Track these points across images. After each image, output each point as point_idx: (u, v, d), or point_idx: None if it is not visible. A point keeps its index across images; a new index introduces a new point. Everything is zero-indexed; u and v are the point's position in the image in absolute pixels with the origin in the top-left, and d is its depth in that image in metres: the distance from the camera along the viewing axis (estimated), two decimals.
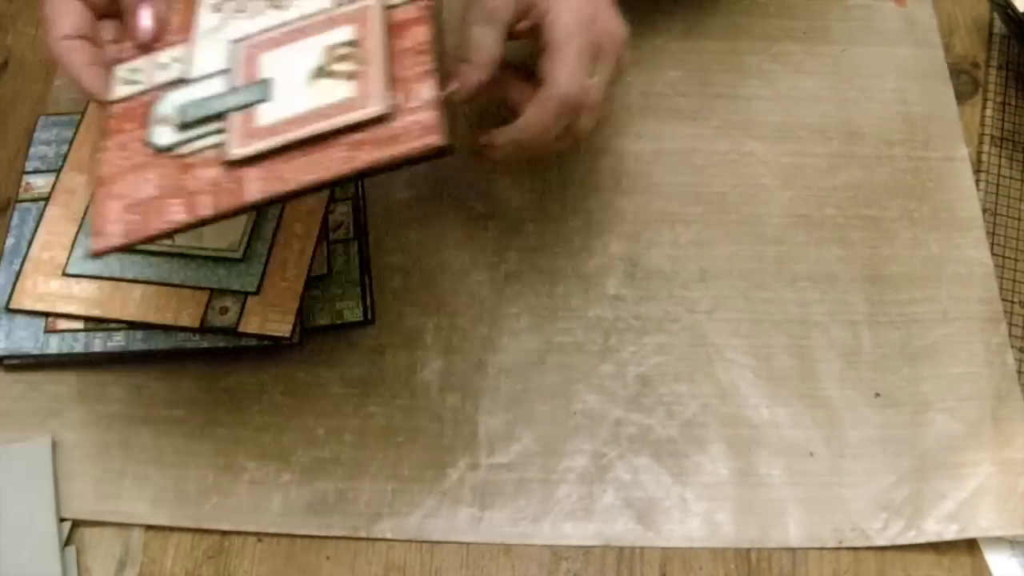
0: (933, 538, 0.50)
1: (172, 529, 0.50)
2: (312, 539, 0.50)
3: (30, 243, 0.56)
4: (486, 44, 0.50)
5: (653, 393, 0.54)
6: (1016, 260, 0.58)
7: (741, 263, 0.57)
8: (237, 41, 0.48)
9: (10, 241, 0.57)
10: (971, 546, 0.50)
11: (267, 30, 0.48)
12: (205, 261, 0.54)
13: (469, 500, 0.51)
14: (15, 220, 0.57)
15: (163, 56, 0.49)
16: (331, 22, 0.47)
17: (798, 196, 0.60)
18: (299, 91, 0.45)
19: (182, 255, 0.54)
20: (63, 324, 0.54)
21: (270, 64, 0.46)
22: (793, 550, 0.50)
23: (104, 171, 0.46)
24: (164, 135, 0.46)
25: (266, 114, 0.45)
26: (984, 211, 0.59)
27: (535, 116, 0.49)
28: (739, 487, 0.51)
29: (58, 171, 0.58)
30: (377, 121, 0.43)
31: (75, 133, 0.59)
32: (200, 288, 0.54)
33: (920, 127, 0.62)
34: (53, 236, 0.56)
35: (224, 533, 0.50)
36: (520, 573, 0.49)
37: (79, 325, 0.54)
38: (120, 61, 0.49)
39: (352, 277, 0.56)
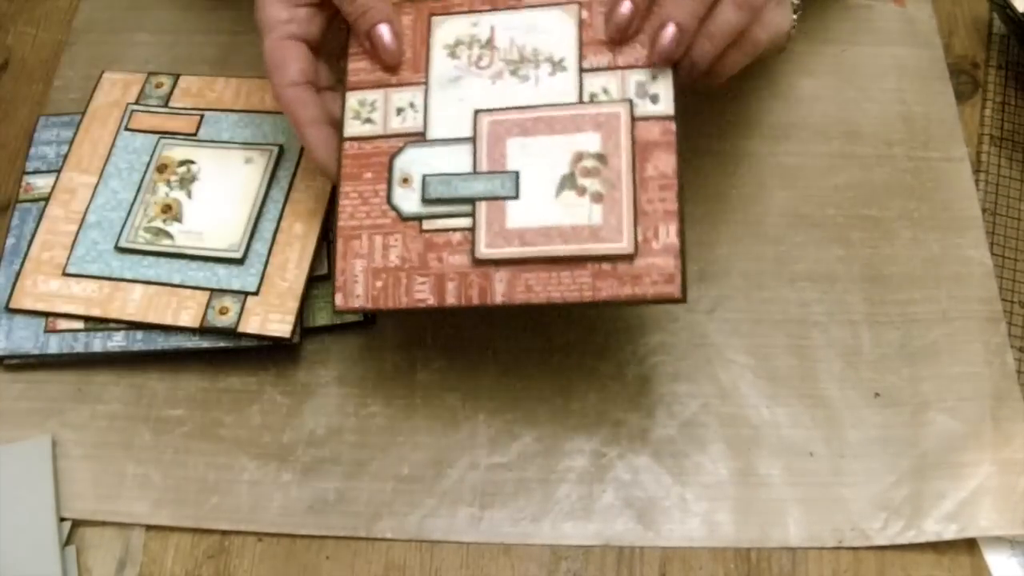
0: (933, 538, 0.50)
1: (172, 529, 0.51)
2: (312, 539, 0.50)
3: (30, 243, 0.56)
4: None
5: (653, 393, 0.54)
6: (1016, 260, 0.58)
7: (741, 263, 0.57)
8: (479, 111, 0.49)
9: (10, 241, 0.57)
10: (971, 546, 0.50)
11: (511, 108, 0.49)
12: (205, 261, 0.54)
13: (469, 500, 0.51)
14: (15, 220, 0.58)
15: (397, 97, 0.50)
16: (578, 123, 0.48)
17: (798, 196, 0.60)
18: (547, 198, 0.47)
19: (182, 255, 0.54)
20: (63, 324, 0.54)
21: (517, 154, 0.48)
22: (793, 550, 0.50)
23: (345, 222, 0.49)
24: (408, 202, 0.48)
25: (515, 216, 0.47)
26: (984, 211, 0.59)
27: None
28: (739, 487, 0.51)
29: (58, 171, 0.58)
30: (621, 258, 0.45)
31: (75, 133, 0.59)
32: (200, 288, 0.54)
33: (920, 127, 0.62)
34: (53, 236, 0.56)
35: (224, 533, 0.50)
36: (520, 573, 0.50)
37: (79, 325, 0.54)
38: (355, 87, 0.50)
39: None
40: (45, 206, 0.57)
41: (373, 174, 0.49)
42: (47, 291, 0.54)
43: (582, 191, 0.47)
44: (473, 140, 0.48)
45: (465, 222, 0.47)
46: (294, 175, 0.57)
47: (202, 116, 0.59)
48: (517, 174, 0.47)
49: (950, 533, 0.50)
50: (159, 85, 0.61)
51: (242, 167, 0.57)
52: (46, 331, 0.54)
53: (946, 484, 0.51)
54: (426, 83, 0.50)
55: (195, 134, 0.59)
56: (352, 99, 0.50)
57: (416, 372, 0.54)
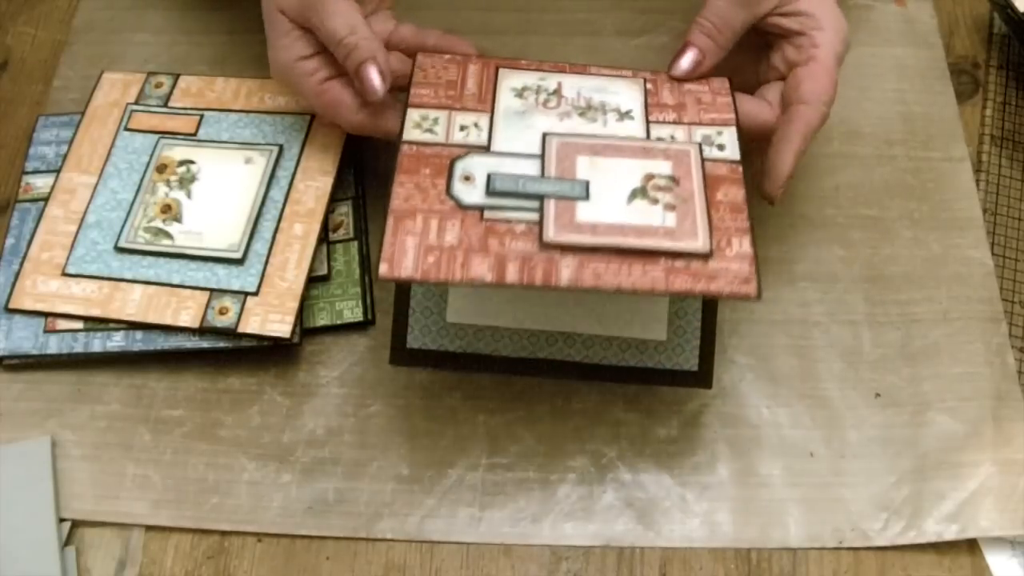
0: (933, 538, 0.50)
1: (172, 529, 0.50)
2: (312, 539, 0.50)
3: (29, 243, 0.56)
4: (734, 26, 0.50)
5: (653, 393, 0.53)
6: (1016, 260, 0.58)
7: None
8: (547, 134, 0.49)
9: (10, 241, 0.57)
10: (971, 546, 0.50)
11: (579, 135, 0.49)
12: (205, 261, 0.54)
13: (469, 500, 0.51)
14: (15, 220, 0.57)
15: (460, 117, 0.49)
16: (648, 152, 0.48)
17: (798, 196, 0.59)
18: (618, 203, 0.46)
19: (182, 255, 0.54)
20: (62, 324, 0.54)
21: (586, 168, 0.47)
22: (793, 550, 0.50)
23: (397, 204, 0.46)
24: (470, 194, 0.46)
25: (585, 212, 0.45)
26: (984, 211, 0.59)
27: (802, 141, 0.50)
28: (739, 487, 0.51)
29: (58, 171, 0.58)
30: (696, 256, 0.44)
31: (75, 133, 0.59)
32: (200, 288, 0.54)
33: (920, 127, 0.62)
34: (53, 236, 0.56)
35: (224, 533, 0.50)
36: (520, 573, 0.49)
37: (78, 325, 0.54)
38: (417, 107, 0.50)
39: (352, 277, 0.56)
40: (44, 206, 0.57)
41: (432, 170, 0.47)
42: (46, 291, 0.54)
43: (654, 201, 0.46)
44: (541, 156, 0.48)
45: (531, 216, 0.45)
46: (294, 175, 0.57)
47: (202, 116, 0.59)
48: (587, 182, 0.46)
49: (951, 533, 0.50)
50: (159, 85, 0.61)
51: (242, 167, 0.57)
52: (45, 331, 0.54)
53: (946, 484, 0.51)
54: (492, 112, 0.50)
55: (195, 134, 0.59)
56: (414, 113, 0.49)
57: (416, 372, 0.54)
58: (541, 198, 0.46)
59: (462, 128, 0.49)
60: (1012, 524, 0.50)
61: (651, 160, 0.47)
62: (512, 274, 0.44)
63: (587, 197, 0.46)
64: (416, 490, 0.51)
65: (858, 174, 0.60)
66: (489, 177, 0.47)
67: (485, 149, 0.48)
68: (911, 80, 0.64)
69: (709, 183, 0.47)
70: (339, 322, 0.55)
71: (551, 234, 0.44)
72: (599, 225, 0.45)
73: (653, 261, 0.44)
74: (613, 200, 0.46)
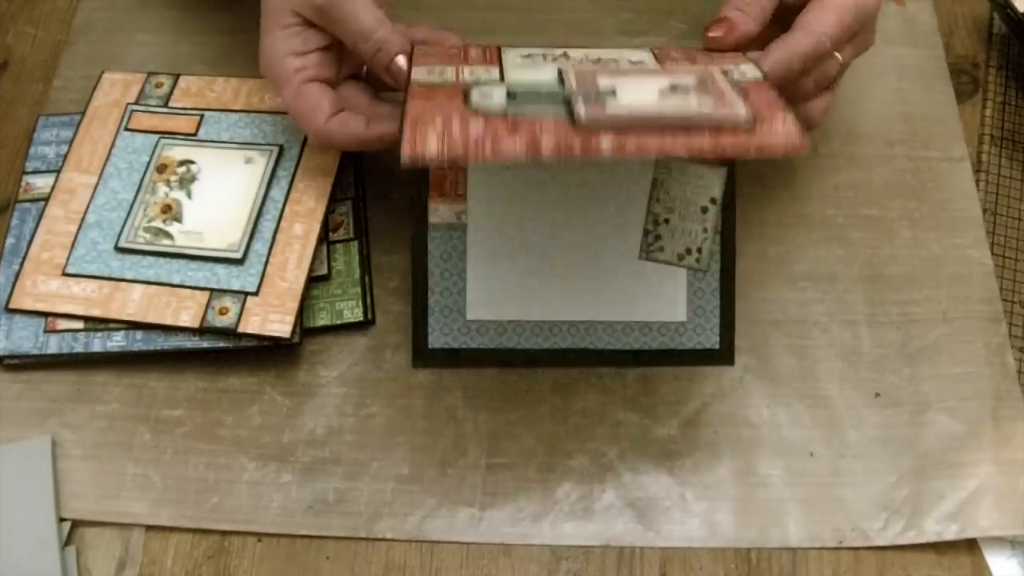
0: (933, 538, 0.50)
1: (172, 529, 0.50)
2: (312, 539, 0.50)
3: (29, 243, 0.56)
4: (764, 4, 0.50)
5: (653, 393, 0.54)
6: (1016, 260, 0.58)
7: (741, 263, 0.57)
8: (563, 70, 0.46)
9: (10, 241, 0.57)
10: (971, 546, 0.50)
11: (595, 63, 0.47)
12: (205, 261, 0.54)
13: (469, 500, 0.51)
14: (15, 220, 0.57)
15: (468, 69, 0.47)
16: (670, 73, 0.45)
17: (798, 196, 0.60)
18: (649, 96, 0.43)
19: (182, 255, 0.54)
20: (63, 324, 0.54)
21: (610, 81, 0.44)
22: (793, 550, 0.50)
23: (414, 111, 0.42)
24: (492, 98, 0.43)
25: (618, 103, 0.42)
26: (984, 211, 0.59)
27: (778, 59, 0.49)
28: (739, 487, 0.51)
29: (58, 171, 0.58)
30: (740, 128, 0.41)
31: (75, 133, 0.59)
32: (200, 288, 0.54)
33: (920, 127, 0.62)
34: (53, 236, 0.56)
35: (224, 533, 0.50)
36: (520, 573, 0.49)
37: (79, 325, 0.54)
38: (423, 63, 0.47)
39: (352, 277, 0.56)
40: (45, 206, 0.57)
41: (446, 96, 0.43)
42: (47, 291, 0.54)
43: (687, 94, 0.43)
44: (560, 80, 0.45)
45: (559, 111, 0.42)
46: (294, 175, 0.57)
47: (202, 116, 0.59)
48: (613, 89, 0.43)
49: (950, 533, 0.50)
50: (159, 85, 0.61)
51: (242, 167, 0.57)
52: (46, 331, 0.54)
53: (946, 484, 0.51)
54: (500, 66, 0.48)
55: (195, 134, 0.59)
56: (419, 72, 0.47)
57: (416, 372, 0.54)
58: (567, 99, 0.43)
59: (472, 73, 0.46)
60: (1012, 524, 0.50)
61: (676, 76, 0.45)
62: (547, 148, 0.39)
63: (615, 96, 0.43)
64: (416, 490, 0.51)
65: (858, 174, 0.60)
66: (509, 90, 0.44)
67: (499, 82, 0.45)
68: (911, 80, 0.64)
69: (739, 88, 0.44)
70: (339, 322, 0.55)
71: (584, 117, 0.41)
72: (634, 107, 0.42)
73: (698, 133, 0.41)
74: (642, 95, 0.43)
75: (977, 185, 0.60)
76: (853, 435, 0.53)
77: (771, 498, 0.51)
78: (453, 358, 0.53)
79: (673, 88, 0.44)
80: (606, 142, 0.39)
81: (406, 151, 0.39)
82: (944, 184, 0.60)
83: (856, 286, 0.57)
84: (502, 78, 0.46)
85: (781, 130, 0.41)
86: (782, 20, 0.51)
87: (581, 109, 0.41)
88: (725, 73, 0.46)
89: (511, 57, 0.49)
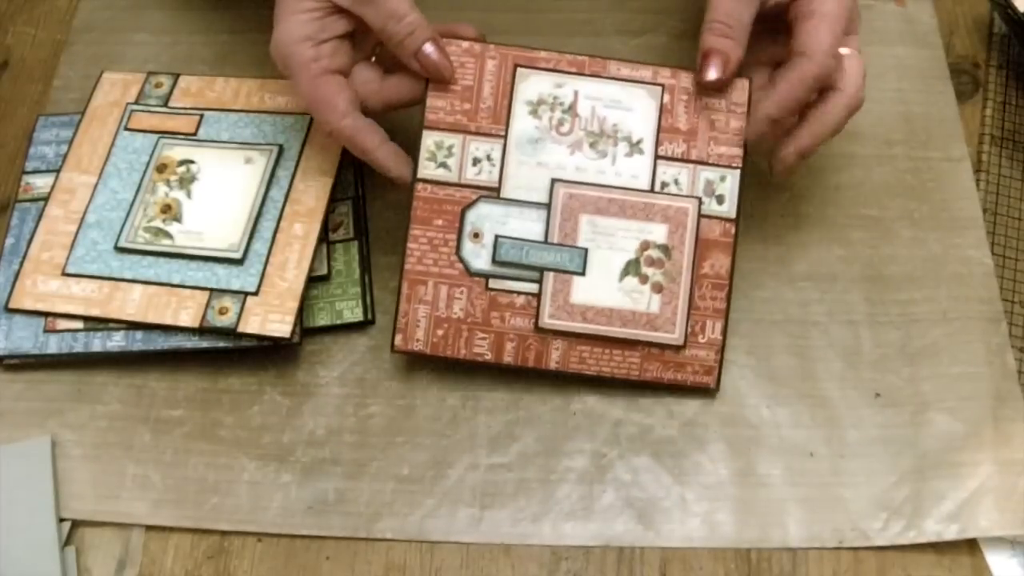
0: (933, 538, 0.50)
1: (172, 529, 0.50)
2: (312, 539, 0.50)
3: (29, 243, 0.56)
4: (744, 20, 0.50)
5: (653, 393, 0.54)
6: (1016, 260, 0.58)
7: (741, 263, 0.57)
8: (556, 180, 0.51)
9: (10, 241, 0.57)
10: (971, 546, 0.50)
11: (587, 184, 0.51)
12: (205, 261, 0.54)
13: (469, 500, 0.51)
14: (15, 220, 0.57)
15: (474, 147, 0.51)
16: (649, 212, 0.52)
17: (798, 196, 0.60)
18: (611, 281, 0.51)
19: (182, 255, 0.54)
20: (62, 324, 0.54)
21: (588, 231, 0.51)
22: (793, 550, 0.50)
23: (412, 266, 0.51)
24: (478, 259, 0.51)
25: (579, 291, 0.51)
26: (984, 211, 0.59)
27: (791, 90, 0.49)
28: (739, 487, 0.51)
29: (57, 171, 0.58)
30: (671, 347, 0.51)
31: (75, 133, 0.59)
32: (200, 288, 0.54)
33: (920, 127, 0.62)
34: (53, 236, 0.56)
35: (224, 533, 0.50)
36: (520, 573, 0.49)
37: (78, 325, 0.54)
38: (434, 127, 0.52)
39: (352, 277, 0.56)
40: (44, 206, 0.57)
41: (444, 222, 0.51)
42: (46, 291, 0.54)
43: (644, 279, 0.51)
44: (548, 208, 0.51)
45: (531, 287, 0.51)
46: (294, 175, 0.57)
47: (202, 116, 0.59)
48: (586, 251, 0.51)
49: (951, 533, 0.50)
50: (159, 85, 0.61)
51: (242, 167, 0.57)
52: (45, 331, 0.54)
53: (946, 484, 0.51)
54: (505, 138, 0.51)
55: (195, 134, 0.59)
56: (429, 139, 0.52)
57: (416, 372, 0.54)
58: (541, 271, 0.51)
59: (475, 162, 0.51)
60: (1012, 524, 0.50)
61: (650, 223, 0.51)
62: (508, 356, 0.51)
63: (584, 272, 0.51)
64: (416, 490, 0.51)
65: (858, 174, 0.60)
66: (497, 242, 0.51)
67: (495, 193, 0.51)
68: (911, 80, 0.64)
69: (700, 251, 0.51)
70: (339, 322, 0.55)
71: (546, 319, 0.51)
72: (589, 309, 0.51)
73: (633, 348, 0.51)
74: (607, 275, 0.51)
75: (977, 185, 0.60)
76: (853, 435, 0.52)
77: (771, 498, 0.51)
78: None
79: (642, 252, 0.51)
80: (555, 355, 0.51)
81: (399, 343, 0.51)
82: (944, 184, 0.60)
83: (856, 286, 0.57)
84: (501, 176, 0.51)
85: (701, 357, 0.52)
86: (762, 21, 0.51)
87: (545, 312, 0.51)
88: (702, 201, 0.52)
89: (520, 110, 0.52)
